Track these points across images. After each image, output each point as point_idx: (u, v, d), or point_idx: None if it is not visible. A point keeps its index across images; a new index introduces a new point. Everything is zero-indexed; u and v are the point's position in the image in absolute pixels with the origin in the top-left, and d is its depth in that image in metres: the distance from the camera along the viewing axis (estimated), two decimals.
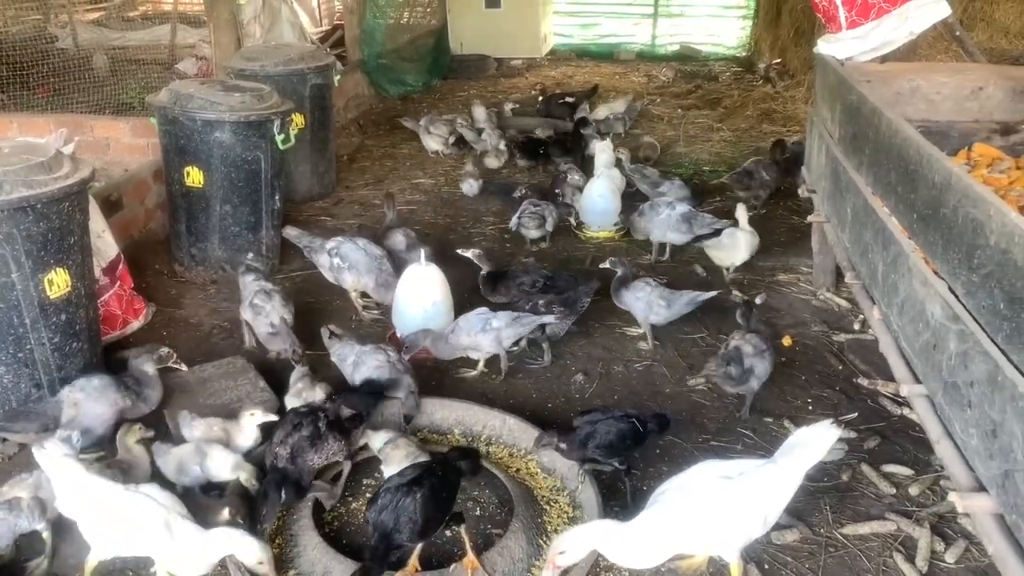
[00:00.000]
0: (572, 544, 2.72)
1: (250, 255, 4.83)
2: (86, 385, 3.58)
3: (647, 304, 4.59)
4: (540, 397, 4.20)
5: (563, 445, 3.38)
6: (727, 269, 5.55)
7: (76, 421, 3.50)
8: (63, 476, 2.87)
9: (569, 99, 9.40)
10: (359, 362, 3.90)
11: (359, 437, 3.55)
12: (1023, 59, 6.81)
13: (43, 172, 3.57)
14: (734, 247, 5.40)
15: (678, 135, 9.01)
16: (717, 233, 5.39)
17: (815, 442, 2.85)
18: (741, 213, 5.50)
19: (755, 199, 6.48)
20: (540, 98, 9.87)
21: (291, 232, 5.18)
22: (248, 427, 3.54)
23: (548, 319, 4.36)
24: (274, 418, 3.53)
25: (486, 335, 4.21)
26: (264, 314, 4.26)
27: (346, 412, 3.51)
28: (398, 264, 4.93)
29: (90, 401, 3.56)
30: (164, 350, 3.88)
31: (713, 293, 4.71)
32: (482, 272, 4.88)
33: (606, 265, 4.78)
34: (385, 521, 2.82)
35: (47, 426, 3.49)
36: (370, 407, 3.68)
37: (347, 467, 3.45)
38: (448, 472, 3.04)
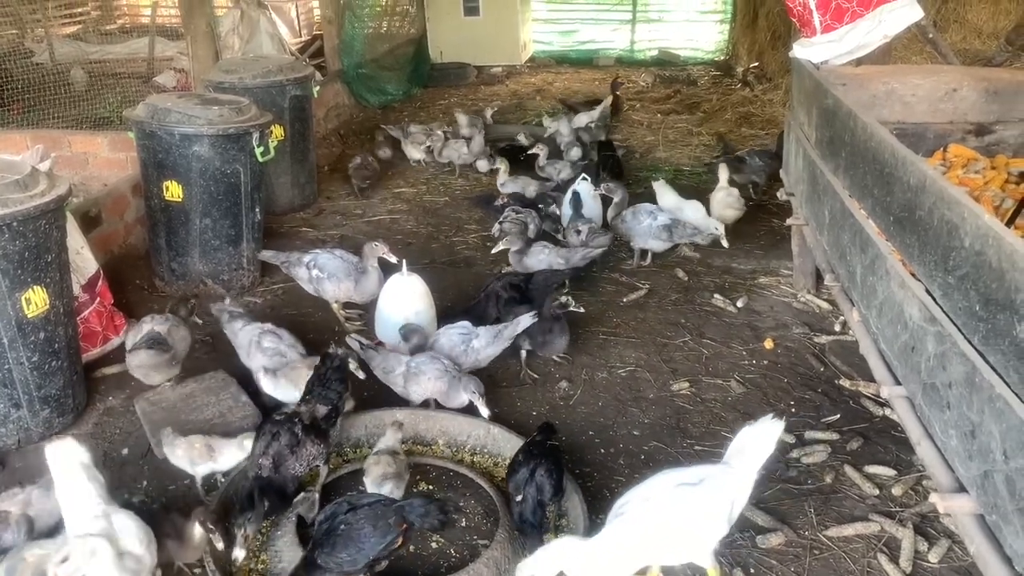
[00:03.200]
0: (537, 568, 2.67)
1: (227, 300, 4.63)
2: (169, 317, 4.22)
3: (548, 264, 5.18)
4: (524, 406, 4.19)
5: (525, 539, 3.15)
6: (723, 229, 5.96)
7: (239, 313, 4.28)
8: (66, 477, 2.85)
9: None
10: (416, 372, 3.88)
11: (337, 433, 3.57)
12: (996, 60, 6.88)
13: (18, 190, 3.54)
14: (739, 206, 6.20)
15: (657, 140, 9.05)
16: (696, 242, 5.82)
17: (762, 438, 2.90)
18: (723, 172, 6.33)
19: (752, 185, 7.03)
20: (616, 92, 9.87)
21: (267, 254, 5.21)
22: (230, 450, 3.51)
23: (526, 322, 4.35)
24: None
25: (466, 357, 4.16)
26: (282, 355, 4.02)
27: (322, 411, 3.47)
28: None
29: (175, 328, 4.19)
30: (191, 303, 4.52)
31: (604, 246, 5.50)
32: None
33: (501, 247, 5.25)
34: (314, 534, 2.97)
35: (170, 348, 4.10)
36: (342, 395, 3.63)
37: (324, 471, 3.45)
38: (386, 517, 2.94)
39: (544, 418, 4.07)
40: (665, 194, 6.17)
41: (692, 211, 5.91)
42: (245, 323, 4.25)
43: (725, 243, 5.61)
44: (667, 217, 5.65)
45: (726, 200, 6.20)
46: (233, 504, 3.18)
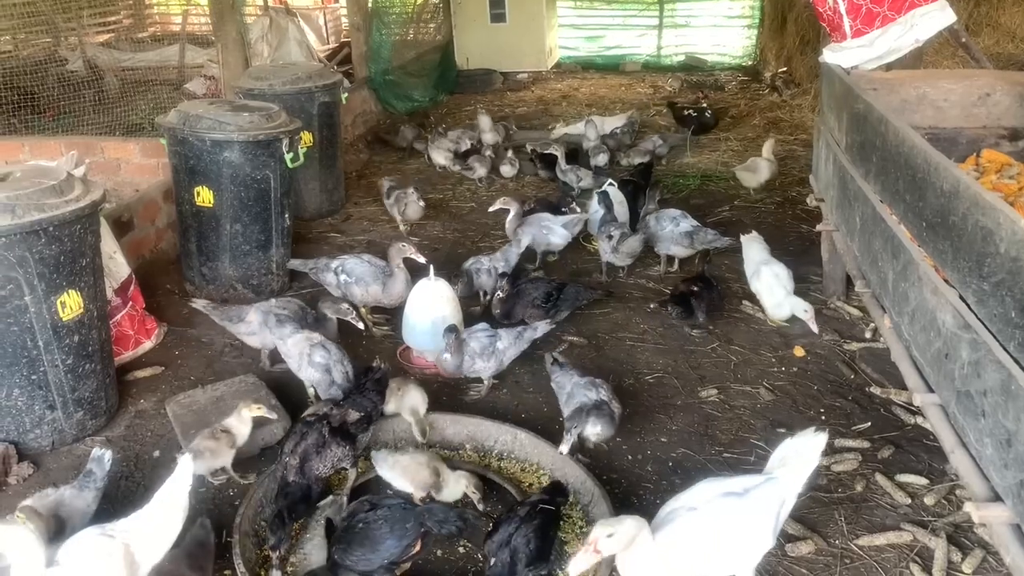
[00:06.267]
0: (621, 530, 2.54)
1: (346, 305, 4.48)
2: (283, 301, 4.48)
3: (489, 270, 5.19)
4: (551, 410, 4.18)
5: None
6: (752, 189, 7.35)
7: (254, 326, 4.34)
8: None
9: (692, 112, 9.40)
10: (572, 395, 3.82)
11: (367, 439, 3.61)
12: None
13: (55, 195, 3.60)
14: (756, 171, 7.24)
15: (684, 145, 9.01)
16: (718, 249, 5.72)
17: (806, 451, 2.86)
18: (767, 146, 7.35)
19: None
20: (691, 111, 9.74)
21: (295, 263, 5.30)
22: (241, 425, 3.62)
23: (544, 329, 4.42)
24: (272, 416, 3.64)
25: (494, 359, 4.22)
26: (330, 372, 3.97)
27: (353, 416, 3.52)
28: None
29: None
30: (345, 305, 4.45)
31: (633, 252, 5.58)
32: (499, 295, 4.86)
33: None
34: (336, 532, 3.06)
35: (234, 319, 4.42)
36: (377, 405, 3.68)
37: (352, 474, 3.48)
38: (404, 521, 2.97)
39: None
40: (752, 250, 5.32)
41: (767, 272, 5.01)
42: (294, 330, 4.18)
43: (815, 327, 4.76)
44: (689, 224, 5.62)
45: (752, 165, 7.28)
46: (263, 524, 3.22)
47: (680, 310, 4.88)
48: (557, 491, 3.25)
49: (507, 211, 5.84)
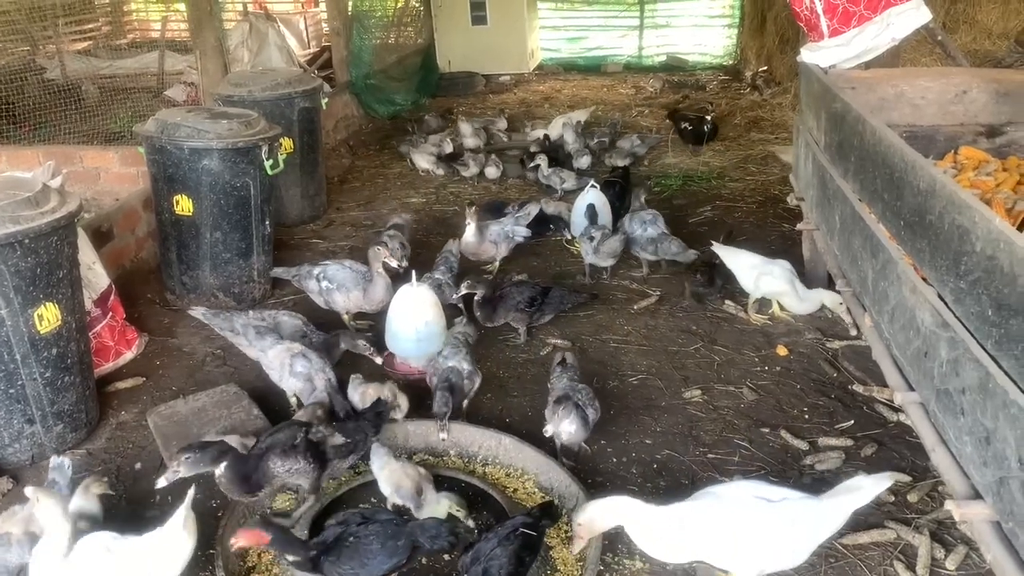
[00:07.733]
0: (581, 518, 2.81)
1: (348, 340, 4.40)
2: (286, 317, 4.48)
3: (452, 283, 5.15)
4: (536, 415, 4.17)
5: None
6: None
7: (266, 328, 4.30)
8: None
9: (688, 124, 9.22)
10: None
11: (341, 470, 3.50)
12: (1006, 61, 6.84)
13: (30, 207, 3.56)
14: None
15: (667, 146, 9.03)
16: (678, 263, 5.73)
17: (862, 487, 2.84)
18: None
19: None
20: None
21: (278, 271, 5.30)
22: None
23: (461, 328, 4.52)
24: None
25: (469, 362, 4.18)
26: (311, 380, 3.93)
27: (337, 440, 3.42)
28: None
29: (284, 323, 4.43)
30: (362, 341, 4.31)
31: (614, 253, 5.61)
32: (477, 298, 4.77)
33: (463, 292, 4.81)
34: (325, 537, 2.99)
35: (236, 331, 4.28)
36: (367, 436, 3.58)
37: (310, 501, 3.38)
38: (395, 538, 2.97)
39: None
40: (732, 257, 5.08)
41: (781, 271, 4.88)
42: (275, 341, 4.14)
43: (848, 318, 4.46)
44: (656, 230, 5.61)
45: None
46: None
47: (706, 278, 5.20)
48: (546, 513, 3.15)
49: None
